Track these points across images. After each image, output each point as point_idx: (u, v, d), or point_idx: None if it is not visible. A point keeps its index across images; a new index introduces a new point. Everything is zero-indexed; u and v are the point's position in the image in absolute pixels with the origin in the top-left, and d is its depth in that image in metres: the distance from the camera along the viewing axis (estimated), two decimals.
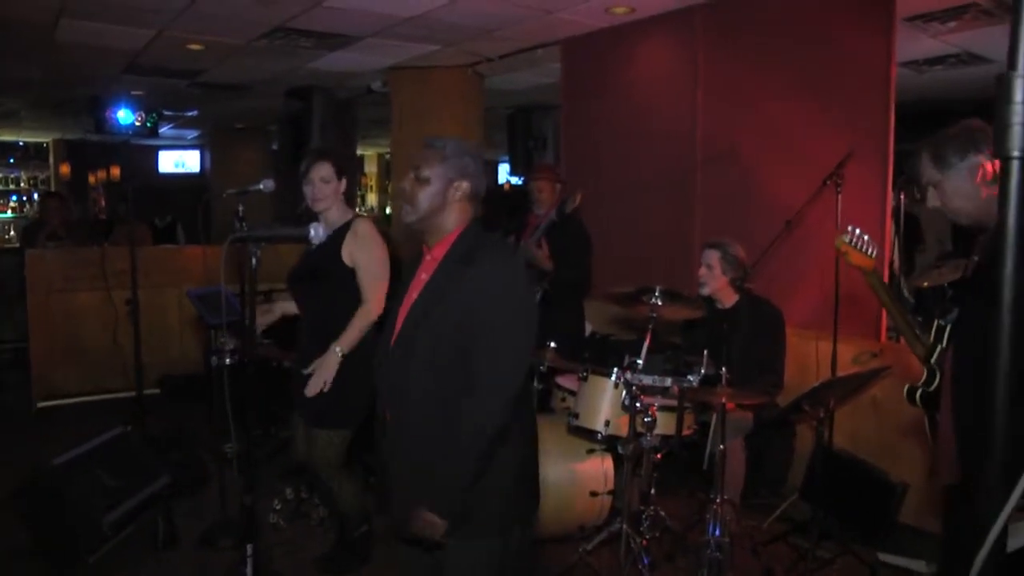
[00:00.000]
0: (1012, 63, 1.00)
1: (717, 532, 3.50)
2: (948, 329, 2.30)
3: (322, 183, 3.42)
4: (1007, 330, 1.00)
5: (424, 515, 2.10)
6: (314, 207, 3.46)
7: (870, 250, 2.16)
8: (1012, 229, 0.99)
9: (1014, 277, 1.00)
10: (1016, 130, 0.99)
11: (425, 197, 2.20)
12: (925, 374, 2.45)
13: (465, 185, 2.22)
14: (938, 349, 2.33)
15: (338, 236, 3.38)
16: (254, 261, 2.56)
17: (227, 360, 3.90)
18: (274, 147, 12.50)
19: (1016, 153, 0.99)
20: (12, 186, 13.25)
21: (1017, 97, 0.99)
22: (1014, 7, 0.98)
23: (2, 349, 7.81)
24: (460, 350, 2.12)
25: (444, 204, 2.21)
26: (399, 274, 3.63)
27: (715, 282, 4.08)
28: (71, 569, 3.76)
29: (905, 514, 3.94)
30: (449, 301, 2.15)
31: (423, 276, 2.27)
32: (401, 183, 2.24)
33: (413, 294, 2.26)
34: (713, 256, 4.09)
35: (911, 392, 2.48)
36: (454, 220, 2.24)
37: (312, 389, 3.31)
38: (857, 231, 2.15)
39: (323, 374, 3.32)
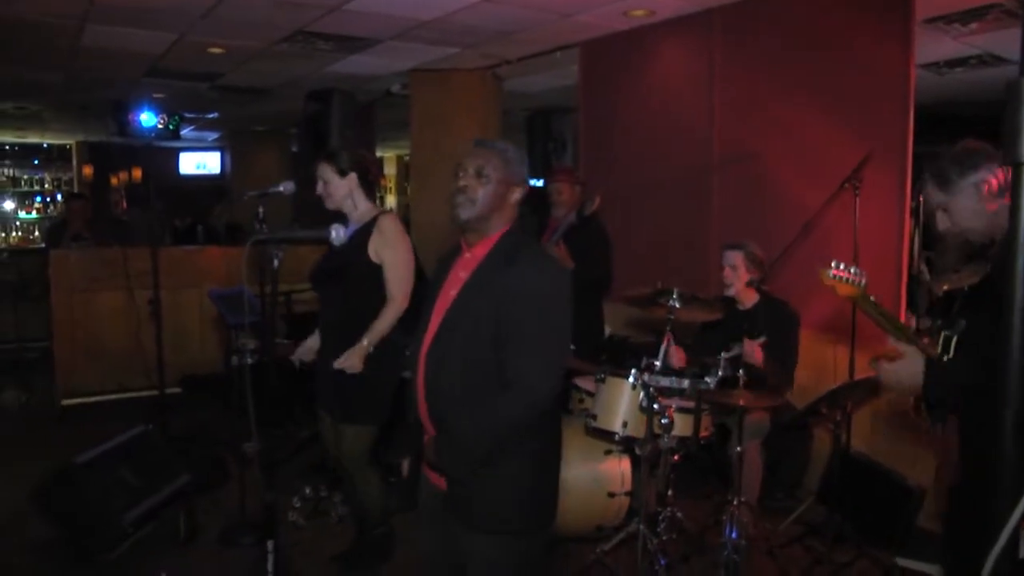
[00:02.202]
0: None
1: (734, 534, 3.51)
2: (954, 340, 2.30)
3: (323, 184, 3.50)
4: (1018, 331, 1.01)
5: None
6: (326, 205, 3.53)
7: (857, 280, 2.16)
8: (1023, 233, 1.01)
9: None
10: None
11: (485, 195, 2.22)
12: None
13: (520, 190, 2.28)
14: (944, 360, 2.32)
15: (363, 233, 3.42)
16: (276, 262, 2.59)
17: (247, 360, 3.94)
18: (294, 149, 12.58)
19: None
20: (36, 187, 13.39)
21: None
22: None
23: (28, 348, 7.90)
24: (497, 349, 2.14)
25: (501, 205, 2.25)
26: (422, 272, 3.67)
27: (739, 283, 4.12)
28: (93, 564, 3.82)
29: (923, 518, 3.92)
30: (490, 300, 2.16)
31: (461, 274, 2.27)
32: (458, 179, 2.24)
33: (451, 291, 2.27)
34: (737, 257, 4.14)
35: (917, 403, 2.47)
36: (502, 222, 2.27)
37: (342, 363, 3.34)
38: (841, 265, 2.15)
39: (350, 364, 3.35)
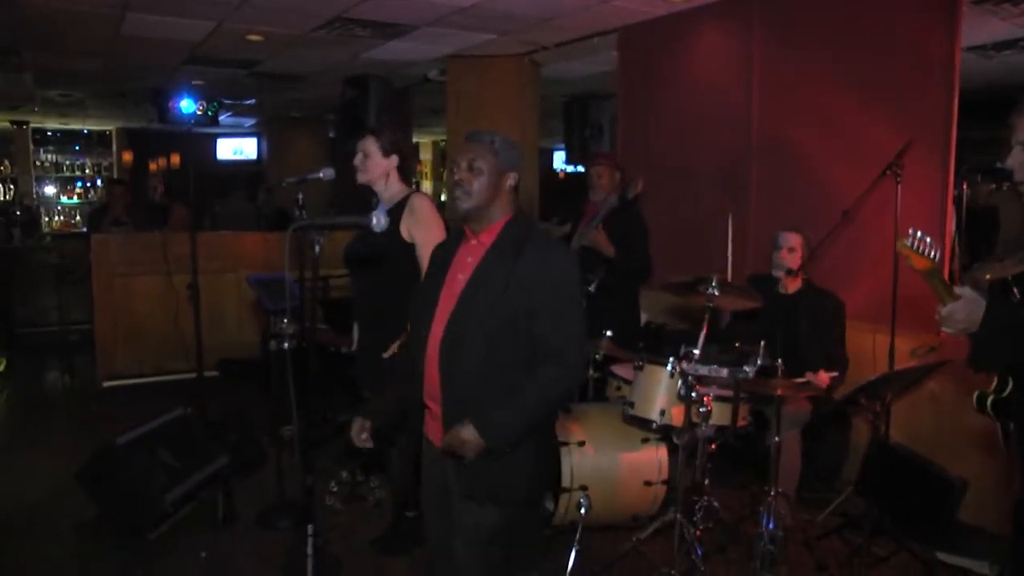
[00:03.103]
0: None
1: (771, 525, 3.48)
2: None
3: (363, 157, 3.49)
4: None
5: (464, 432, 2.24)
6: (357, 178, 3.54)
7: (932, 253, 2.10)
8: None
9: None
10: None
11: (480, 186, 2.34)
12: (996, 379, 2.37)
13: (513, 177, 2.39)
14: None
15: (395, 213, 3.41)
16: (317, 248, 2.61)
17: (285, 344, 3.97)
18: (330, 135, 12.64)
19: None
20: (78, 172, 13.61)
21: None
22: None
23: (71, 331, 8.06)
24: (516, 332, 2.27)
25: (496, 194, 2.36)
26: None
27: (795, 265, 4.08)
28: (134, 544, 3.89)
29: (965, 513, 3.85)
30: (505, 285, 2.26)
31: (469, 260, 2.39)
32: (454, 174, 2.37)
33: (459, 275, 2.38)
34: (796, 239, 4.13)
35: (982, 399, 2.40)
36: (503, 209, 2.39)
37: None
38: (919, 233, 2.09)
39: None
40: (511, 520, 2.38)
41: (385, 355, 3.34)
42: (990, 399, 2.38)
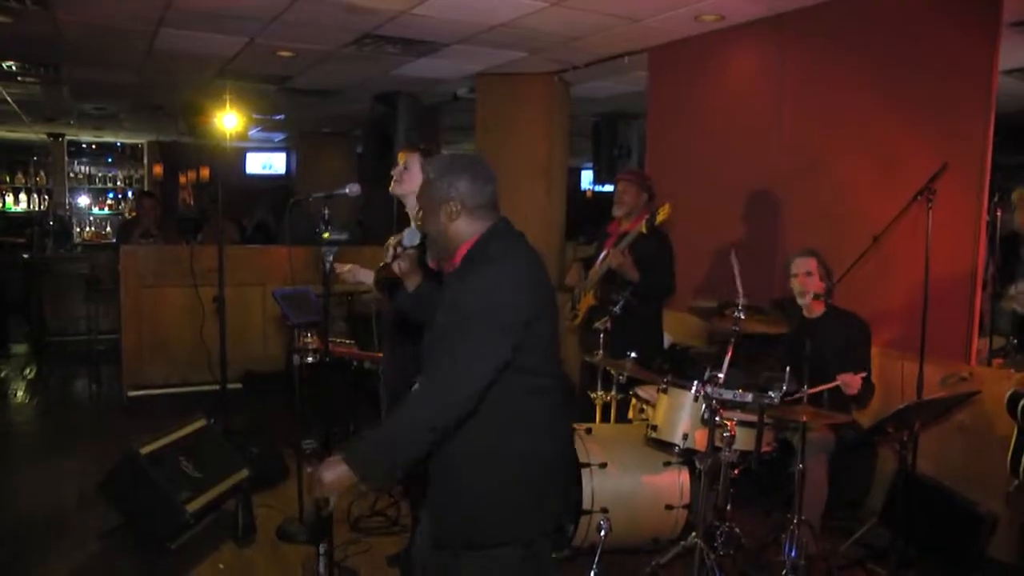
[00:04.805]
0: None
1: (793, 553, 3.43)
2: None
3: (404, 170, 3.49)
4: None
5: (323, 469, 2.09)
6: (391, 187, 3.53)
7: None
8: None
9: None
10: None
11: (424, 220, 2.25)
12: None
13: (455, 204, 2.20)
14: None
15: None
16: (328, 265, 2.62)
17: (308, 359, 3.99)
18: (358, 151, 12.74)
19: None
20: (110, 184, 13.80)
21: None
22: None
23: (99, 340, 8.14)
24: None
25: (447, 226, 2.22)
26: None
27: (818, 288, 4.05)
28: (156, 553, 3.90)
29: (995, 548, 3.76)
30: (444, 310, 2.20)
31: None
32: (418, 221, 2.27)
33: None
34: (811, 263, 4.10)
35: (1014, 400, 2.34)
36: (463, 234, 2.23)
37: None
38: None
39: None
40: (518, 567, 2.19)
41: None
42: (1022, 403, 2.32)
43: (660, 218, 4.34)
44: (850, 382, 3.77)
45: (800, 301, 4.15)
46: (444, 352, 2.09)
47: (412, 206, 3.54)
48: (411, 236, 2.31)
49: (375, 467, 2.08)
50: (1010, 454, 2.40)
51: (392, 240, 2.28)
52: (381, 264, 2.28)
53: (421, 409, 2.06)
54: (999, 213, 4.69)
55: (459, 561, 2.20)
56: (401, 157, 3.54)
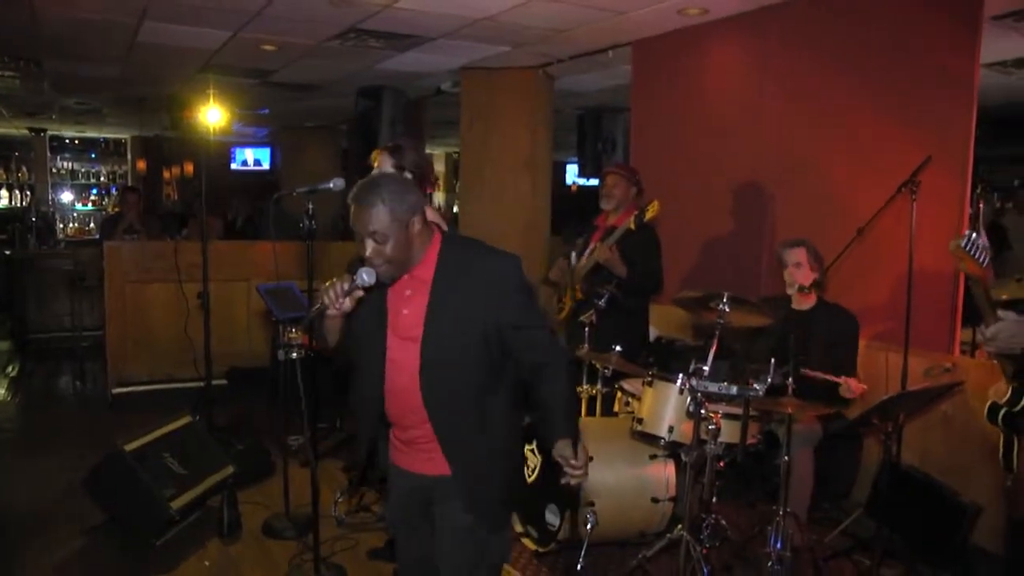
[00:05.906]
0: None
1: (779, 544, 3.44)
2: None
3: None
4: None
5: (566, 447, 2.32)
6: None
7: (983, 258, 2.05)
8: None
9: None
10: None
11: (392, 250, 2.23)
12: (1010, 392, 2.33)
13: (418, 218, 2.26)
14: None
15: None
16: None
17: (293, 354, 3.96)
18: (343, 145, 12.69)
19: None
20: (93, 180, 13.71)
21: None
22: None
23: (83, 336, 8.09)
24: (488, 345, 2.29)
25: (410, 242, 2.26)
26: None
27: (805, 280, 4.03)
28: (140, 550, 3.88)
29: (978, 537, 3.78)
30: (467, 303, 2.27)
31: (407, 292, 2.33)
32: (364, 251, 2.23)
33: (403, 311, 2.33)
34: (800, 253, 4.06)
35: (994, 410, 2.37)
36: (423, 244, 2.31)
37: None
38: (974, 235, 2.03)
39: None
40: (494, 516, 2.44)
41: None
42: (1002, 411, 2.34)
43: (649, 215, 4.33)
44: (853, 388, 3.77)
45: (789, 291, 4.15)
46: (529, 328, 2.31)
47: None
48: (369, 275, 2.23)
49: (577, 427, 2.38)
50: (1001, 454, 2.42)
51: (338, 281, 2.22)
52: (316, 306, 2.24)
53: (565, 373, 2.36)
54: (982, 205, 4.72)
55: (493, 521, 2.41)
56: (374, 157, 3.51)
